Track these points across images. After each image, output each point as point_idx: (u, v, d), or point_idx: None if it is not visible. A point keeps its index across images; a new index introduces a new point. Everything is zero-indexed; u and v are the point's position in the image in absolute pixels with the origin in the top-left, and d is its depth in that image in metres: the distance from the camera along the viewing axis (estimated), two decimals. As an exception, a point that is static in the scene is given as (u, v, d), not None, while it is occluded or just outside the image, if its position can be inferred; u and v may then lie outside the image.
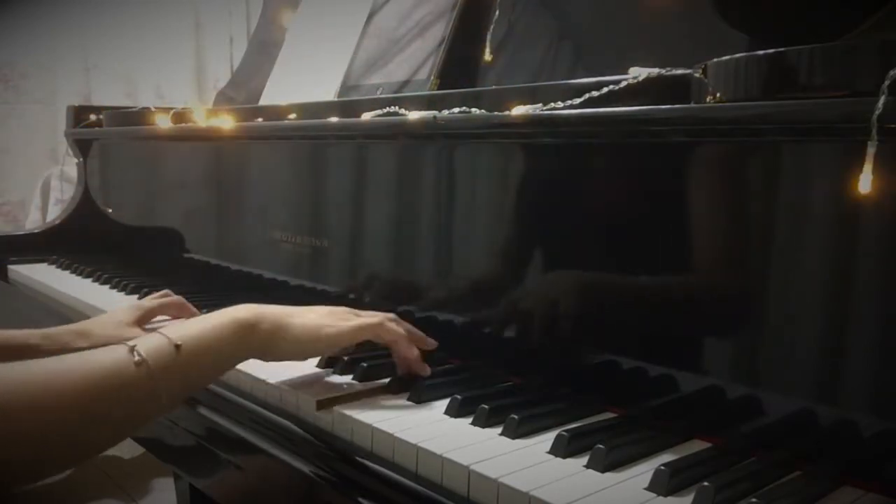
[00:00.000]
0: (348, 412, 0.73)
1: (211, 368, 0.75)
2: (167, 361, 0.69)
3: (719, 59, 0.65)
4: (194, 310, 1.11)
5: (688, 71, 0.69)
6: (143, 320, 1.05)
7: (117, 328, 1.02)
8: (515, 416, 0.69)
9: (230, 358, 0.77)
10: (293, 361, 0.83)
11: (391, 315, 0.85)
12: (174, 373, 0.70)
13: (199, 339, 0.73)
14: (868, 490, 0.59)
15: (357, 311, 0.85)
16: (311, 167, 1.16)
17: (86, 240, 1.69)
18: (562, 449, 0.65)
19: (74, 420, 0.64)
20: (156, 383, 0.68)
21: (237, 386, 0.87)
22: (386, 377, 0.82)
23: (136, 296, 1.27)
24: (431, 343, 0.86)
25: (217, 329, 0.74)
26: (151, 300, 1.10)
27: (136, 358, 0.68)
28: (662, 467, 0.60)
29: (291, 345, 0.79)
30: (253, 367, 0.84)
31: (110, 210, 1.70)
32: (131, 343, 0.69)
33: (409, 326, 0.86)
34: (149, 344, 0.70)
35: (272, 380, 0.83)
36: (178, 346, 0.70)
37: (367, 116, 0.98)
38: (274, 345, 0.78)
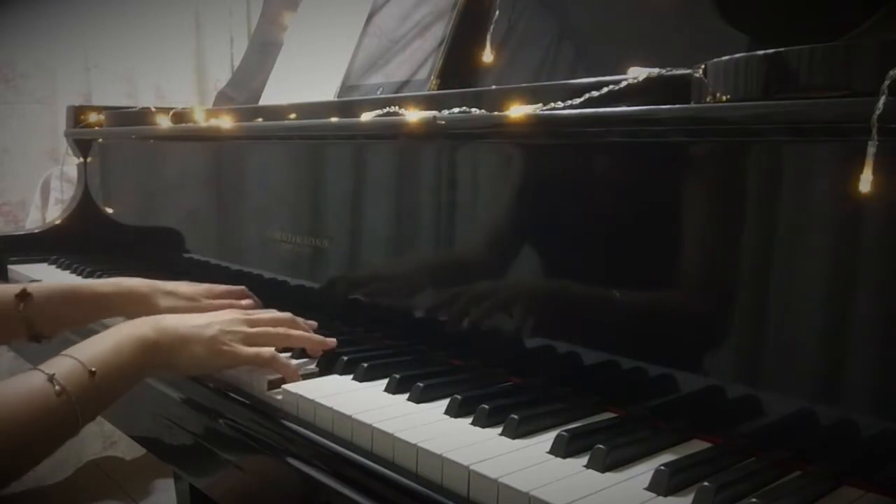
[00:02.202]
0: (348, 412, 0.73)
1: (121, 389, 0.77)
2: (84, 388, 0.71)
3: (719, 59, 0.65)
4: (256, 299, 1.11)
5: (688, 71, 0.69)
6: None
7: (196, 297, 1.05)
8: (515, 416, 0.69)
9: (137, 377, 0.79)
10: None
11: (283, 331, 0.89)
12: (91, 399, 0.72)
13: (110, 362, 0.75)
14: (868, 490, 0.59)
15: (254, 316, 0.90)
16: (311, 167, 1.16)
17: (86, 240, 1.69)
18: (562, 449, 0.65)
19: (6, 455, 0.66)
20: (76, 411, 0.70)
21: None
22: (386, 377, 0.82)
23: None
24: (329, 343, 0.91)
25: (124, 350, 0.76)
26: (216, 286, 1.11)
27: (57, 388, 0.69)
28: (662, 467, 0.60)
29: (191, 362, 0.83)
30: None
31: (110, 210, 1.70)
32: (48, 372, 0.70)
33: (304, 336, 0.91)
34: (65, 372, 0.71)
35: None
36: (92, 373, 0.72)
37: (366, 116, 0.98)
38: (175, 361, 0.81)
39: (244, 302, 1.07)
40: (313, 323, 0.96)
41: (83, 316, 1.03)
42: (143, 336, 0.79)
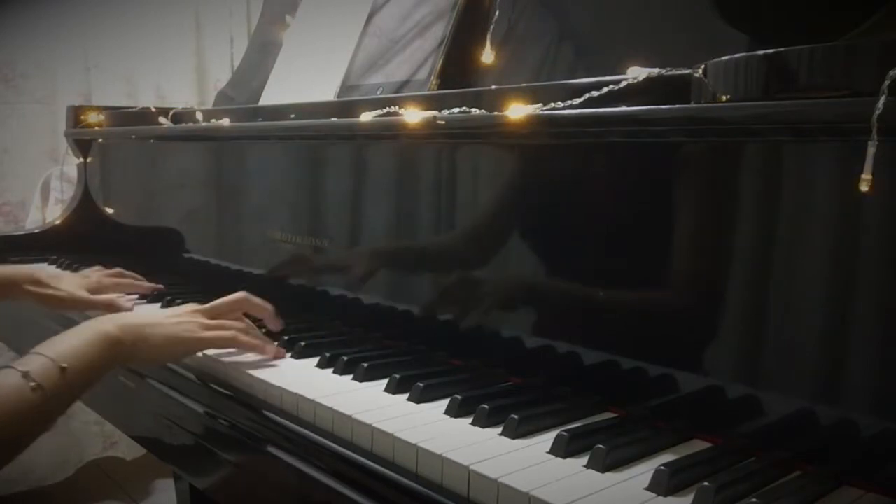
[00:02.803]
0: (348, 412, 0.73)
1: (87, 384, 0.81)
2: (57, 384, 0.75)
3: (719, 59, 0.65)
4: (148, 285, 1.25)
5: (688, 71, 0.69)
6: (94, 291, 1.19)
7: (74, 288, 1.17)
8: (515, 416, 0.69)
9: (102, 371, 0.82)
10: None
11: (242, 325, 0.94)
12: (63, 394, 0.76)
13: (79, 358, 0.78)
14: (868, 490, 0.59)
15: (211, 308, 0.95)
16: (311, 167, 1.16)
17: (86, 240, 1.69)
18: (562, 449, 0.65)
19: None
20: (50, 406, 0.75)
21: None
22: (386, 377, 0.82)
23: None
24: (278, 323, 1.00)
25: (90, 346, 0.80)
26: (102, 275, 1.24)
27: (32, 384, 0.73)
28: (662, 467, 0.60)
29: (152, 352, 0.87)
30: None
31: (110, 210, 1.70)
32: (22, 369, 0.74)
33: (262, 304, 0.99)
34: (37, 368, 0.75)
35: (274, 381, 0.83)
36: (63, 368, 0.76)
37: (366, 116, 0.98)
38: (136, 353, 0.86)
39: (126, 305, 1.17)
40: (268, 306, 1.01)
41: None
42: (106, 332, 0.82)
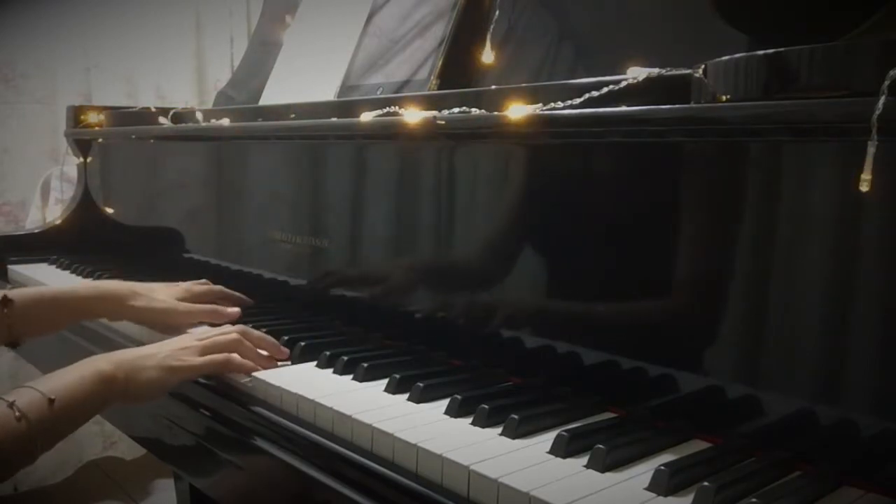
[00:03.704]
0: (348, 412, 0.73)
1: (80, 419, 0.80)
2: (43, 415, 0.74)
3: (719, 59, 0.65)
4: (238, 295, 1.15)
5: (688, 71, 0.69)
6: (185, 300, 1.10)
7: (170, 299, 1.08)
8: (515, 416, 0.69)
9: (94, 408, 0.81)
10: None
11: (237, 348, 0.89)
12: (49, 427, 0.75)
13: (70, 392, 0.77)
14: (868, 490, 0.59)
15: (204, 347, 0.89)
16: (311, 167, 1.16)
17: (86, 240, 1.69)
18: (562, 449, 0.65)
19: None
20: (34, 437, 0.73)
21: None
22: (386, 377, 0.82)
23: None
24: (283, 352, 0.92)
25: (83, 382, 0.79)
26: (190, 284, 1.14)
27: (17, 413, 0.72)
28: (662, 467, 0.60)
29: (146, 387, 0.84)
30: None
31: (110, 210, 1.70)
32: (8, 399, 0.73)
33: (259, 336, 0.92)
34: (25, 400, 0.74)
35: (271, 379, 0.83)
36: (51, 401, 0.75)
37: (366, 116, 0.98)
38: (132, 389, 0.83)
39: (231, 310, 1.08)
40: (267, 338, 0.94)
41: (63, 320, 1.08)
42: (100, 369, 0.81)
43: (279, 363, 0.91)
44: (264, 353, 0.91)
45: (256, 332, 0.93)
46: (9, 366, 2.15)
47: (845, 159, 0.58)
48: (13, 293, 1.01)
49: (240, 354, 0.88)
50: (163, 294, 1.09)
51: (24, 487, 2.20)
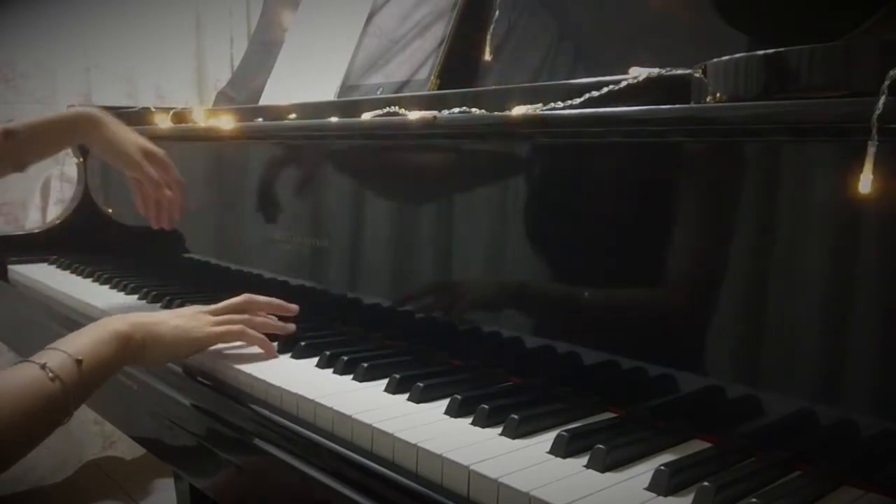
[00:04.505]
0: (348, 412, 0.73)
1: (102, 379, 0.81)
2: (73, 376, 0.76)
3: (719, 59, 0.65)
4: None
5: (688, 71, 0.69)
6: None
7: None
8: (515, 416, 0.69)
9: (114, 367, 0.83)
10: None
11: (246, 317, 0.95)
12: (79, 385, 0.77)
13: (93, 353, 0.79)
14: (868, 490, 0.59)
15: (217, 307, 0.95)
16: (311, 167, 1.16)
17: (86, 240, 1.69)
18: (562, 449, 0.65)
19: (8, 441, 0.70)
20: (68, 397, 0.75)
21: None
22: (386, 377, 0.82)
23: (136, 296, 1.27)
24: (292, 308, 0.99)
25: (103, 342, 0.81)
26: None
27: (50, 375, 0.74)
28: (662, 467, 0.60)
29: (162, 350, 0.88)
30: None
31: (110, 210, 1.70)
32: (40, 361, 0.75)
33: (267, 301, 0.98)
34: (56, 361, 0.76)
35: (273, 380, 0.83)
36: (79, 361, 0.77)
37: (367, 116, 0.98)
38: (147, 352, 0.86)
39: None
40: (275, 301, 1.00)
41: (59, 140, 1.27)
42: (118, 330, 0.83)
43: (276, 359, 0.92)
44: (273, 317, 0.97)
45: (263, 298, 0.98)
46: (9, 365, 2.15)
47: (845, 159, 0.58)
48: (13, 125, 1.16)
49: (250, 324, 0.94)
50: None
51: (24, 487, 2.20)
